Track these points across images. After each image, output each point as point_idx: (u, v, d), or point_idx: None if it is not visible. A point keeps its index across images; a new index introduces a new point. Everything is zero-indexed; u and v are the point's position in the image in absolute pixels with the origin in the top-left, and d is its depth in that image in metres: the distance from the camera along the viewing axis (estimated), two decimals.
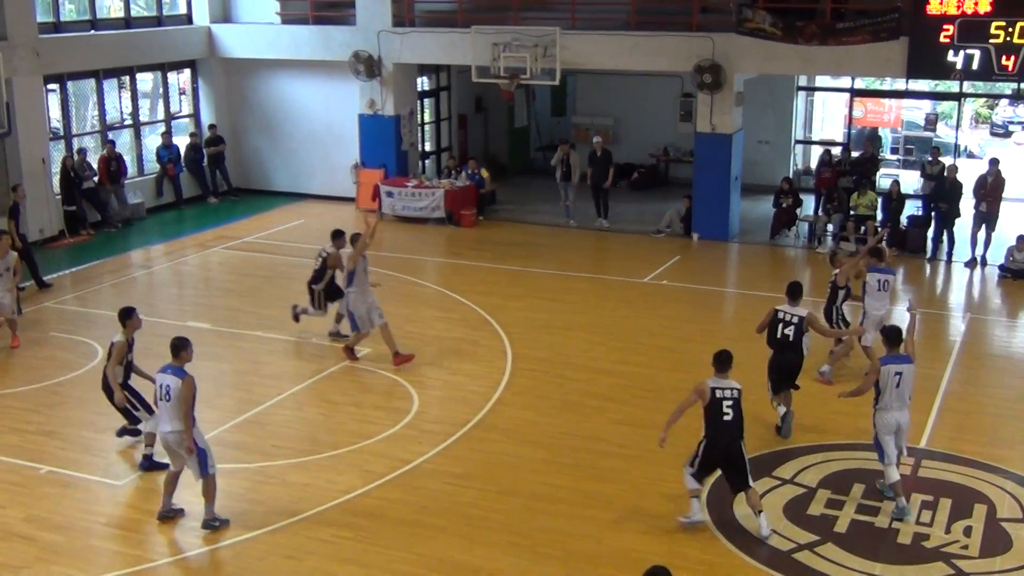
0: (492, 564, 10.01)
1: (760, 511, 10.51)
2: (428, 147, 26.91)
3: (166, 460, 11.04)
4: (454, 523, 10.72)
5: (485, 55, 22.16)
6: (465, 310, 17.37)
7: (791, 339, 12.51)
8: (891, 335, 11.11)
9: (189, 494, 10.74)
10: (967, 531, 10.57)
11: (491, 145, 28.74)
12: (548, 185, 24.53)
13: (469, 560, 10.06)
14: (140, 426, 12.06)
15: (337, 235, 15.39)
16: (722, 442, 10.39)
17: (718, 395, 10.35)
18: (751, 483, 10.52)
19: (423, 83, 26.13)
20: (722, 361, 10.49)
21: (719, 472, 10.72)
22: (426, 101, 26.57)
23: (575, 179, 22.99)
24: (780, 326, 12.54)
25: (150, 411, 11.76)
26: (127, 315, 11.87)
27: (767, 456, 12.12)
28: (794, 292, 12.68)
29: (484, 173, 24.27)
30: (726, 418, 10.36)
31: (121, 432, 12.38)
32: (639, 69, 23.23)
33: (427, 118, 26.77)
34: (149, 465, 11.82)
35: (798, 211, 22.10)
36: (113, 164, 22.72)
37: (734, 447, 10.44)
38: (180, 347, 10.48)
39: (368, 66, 23.67)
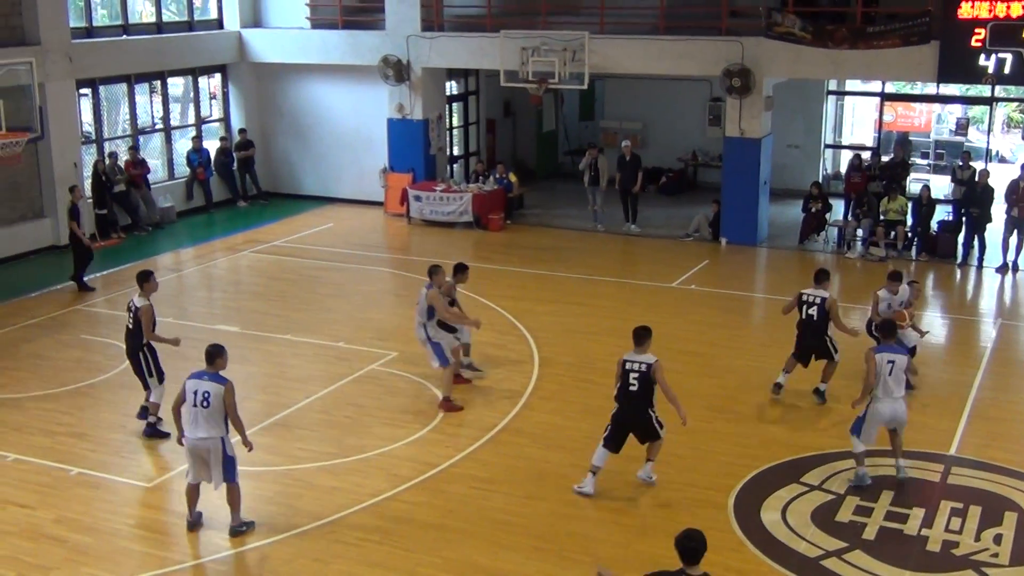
0: (518, 569, 10.01)
1: (649, 460, 11.41)
2: (456, 151, 26.97)
3: (166, 429, 12.02)
4: (480, 527, 10.73)
5: (514, 59, 22.17)
6: (492, 314, 17.37)
7: (815, 319, 13.27)
8: (884, 327, 11.66)
9: (216, 496, 10.79)
10: (997, 539, 10.47)
11: (519, 149, 28.76)
12: (576, 189, 24.51)
13: (495, 565, 10.06)
14: (150, 394, 12.67)
15: (460, 269, 14.44)
16: (629, 411, 11.12)
17: (627, 367, 11.07)
18: (661, 436, 11.29)
19: (452, 87, 26.19)
20: (637, 336, 11.18)
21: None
22: (454, 105, 26.64)
23: (603, 183, 22.97)
24: (804, 307, 13.37)
25: (162, 379, 12.49)
26: (146, 277, 12.70)
27: (795, 462, 12.07)
28: (819, 276, 13.47)
29: (512, 177, 24.29)
30: (631, 388, 11.04)
31: (143, 415, 12.91)
32: (668, 73, 23.17)
33: (455, 122, 26.83)
34: (152, 432, 12.56)
35: (827, 216, 21.99)
36: (135, 169, 22.87)
37: (642, 417, 11.13)
38: (215, 354, 10.43)
39: (397, 70, 23.75)
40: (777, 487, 11.46)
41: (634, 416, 11.11)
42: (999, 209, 20.38)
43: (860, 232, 21.31)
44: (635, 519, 10.88)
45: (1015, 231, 19.83)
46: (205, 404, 10.16)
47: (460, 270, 14.44)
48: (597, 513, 10.99)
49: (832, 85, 25.88)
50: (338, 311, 17.60)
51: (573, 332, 16.56)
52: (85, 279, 18.78)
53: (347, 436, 12.85)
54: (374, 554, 10.23)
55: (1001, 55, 18.97)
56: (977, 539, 10.46)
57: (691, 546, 7.15)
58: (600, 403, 13.63)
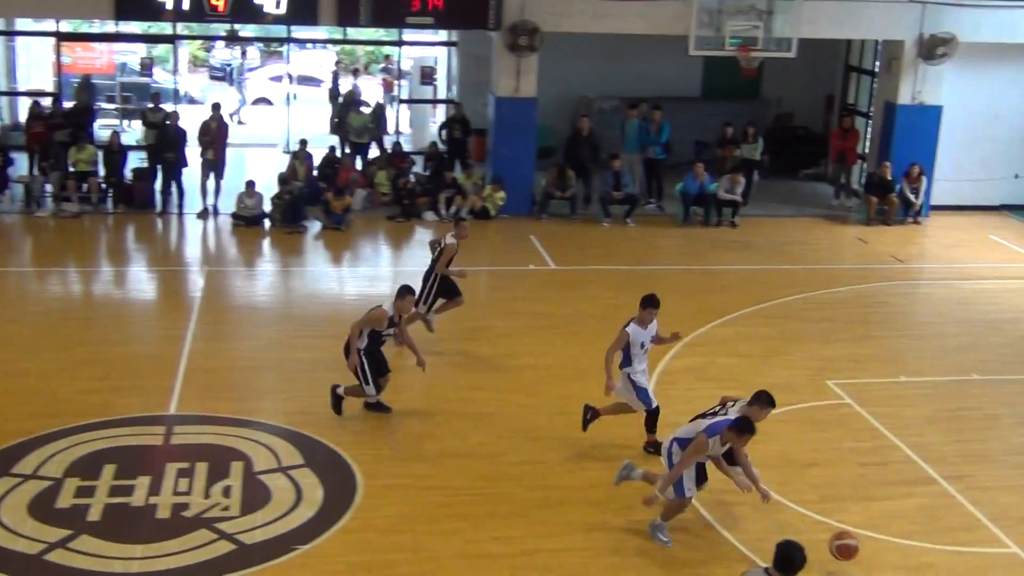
0: None
1: None
2: None
3: None
4: None
5: None
6: None
7: None
8: None
9: None
10: (227, 491, 10.29)
11: None
12: None
13: None
14: None
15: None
16: None
17: None
18: None
19: None
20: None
21: None
22: None
23: None
24: None
25: None
26: None
27: (4, 451, 10.77)
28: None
29: None
30: None
31: None
32: None
33: None
34: None
35: (9, 172, 20.18)
36: None
37: None
38: None
39: None
40: None
41: None
42: (194, 152, 20.21)
43: (48, 187, 19.84)
44: None
45: (211, 174, 19.91)
46: None
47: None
48: None
49: (1, 25, 23.67)
50: None
51: None
52: None
53: None
54: None
55: None
56: (207, 496, 10.18)
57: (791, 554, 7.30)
58: None
